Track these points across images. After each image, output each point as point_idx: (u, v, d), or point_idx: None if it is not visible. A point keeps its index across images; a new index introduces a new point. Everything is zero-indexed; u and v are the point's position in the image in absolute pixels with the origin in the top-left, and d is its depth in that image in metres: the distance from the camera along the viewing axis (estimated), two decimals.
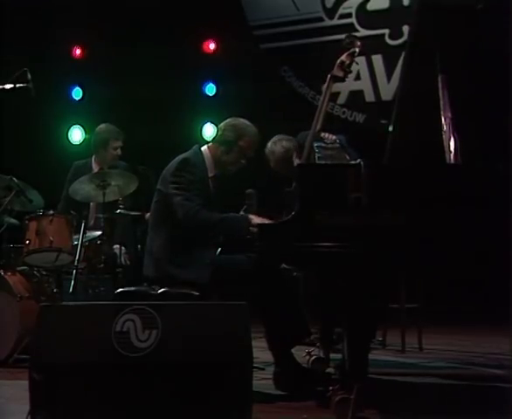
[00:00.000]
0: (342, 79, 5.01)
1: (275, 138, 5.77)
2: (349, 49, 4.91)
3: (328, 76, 4.91)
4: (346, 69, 4.94)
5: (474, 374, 5.34)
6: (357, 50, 4.94)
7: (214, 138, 4.89)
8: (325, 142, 4.68)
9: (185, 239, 4.54)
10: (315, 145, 4.44)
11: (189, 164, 4.66)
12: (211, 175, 4.74)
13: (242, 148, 4.75)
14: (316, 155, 4.28)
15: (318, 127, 4.88)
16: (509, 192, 3.61)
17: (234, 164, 4.79)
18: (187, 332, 3.50)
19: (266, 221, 4.30)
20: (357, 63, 5.35)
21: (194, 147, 4.82)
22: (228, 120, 4.85)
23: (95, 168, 6.51)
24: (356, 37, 5.09)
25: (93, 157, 6.60)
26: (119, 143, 6.52)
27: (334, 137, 5.00)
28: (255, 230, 4.21)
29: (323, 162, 4.28)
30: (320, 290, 4.26)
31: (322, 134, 4.94)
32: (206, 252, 4.58)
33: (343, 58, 4.92)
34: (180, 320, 3.53)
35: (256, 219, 4.39)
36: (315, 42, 8.96)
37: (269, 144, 5.76)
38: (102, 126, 6.65)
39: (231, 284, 4.39)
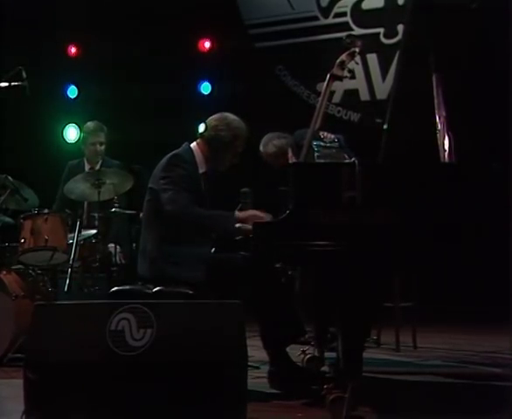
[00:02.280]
0: (341, 79, 5.01)
1: (266, 139, 5.84)
2: (349, 48, 4.92)
3: (328, 75, 4.92)
4: (346, 68, 4.95)
5: (469, 372, 5.35)
6: (358, 50, 4.94)
7: (203, 134, 4.80)
8: (324, 141, 4.68)
9: (179, 237, 4.54)
10: (314, 144, 4.44)
11: (179, 159, 4.66)
12: (201, 171, 4.73)
13: (236, 147, 4.75)
14: (315, 154, 4.28)
15: (317, 125, 4.88)
16: (509, 192, 3.61)
17: (227, 162, 4.79)
18: (182, 330, 3.50)
19: (252, 213, 4.32)
20: (357, 63, 5.36)
21: (183, 144, 4.79)
22: (219, 118, 4.78)
23: (87, 168, 6.55)
24: (356, 36, 5.09)
25: (85, 156, 6.66)
26: (96, 139, 6.58)
27: (333, 136, 4.99)
28: (241, 225, 4.28)
29: (321, 161, 4.28)
30: (314, 288, 4.27)
31: (321, 133, 4.95)
32: (201, 250, 4.57)
33: (344, 57, 4.93)
34: (175, 319, 3.53)
35: (241, 215, 4.40)
36: (310, 41, 8.96)
37: (261, 146, 5.83)
38: (85, 124, 6.73)
39: (225, 282, 4.38)
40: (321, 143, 4.42)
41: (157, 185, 4.62)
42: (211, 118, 4.82)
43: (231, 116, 4.80)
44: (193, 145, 4.78)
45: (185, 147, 4.78)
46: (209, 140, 4.75)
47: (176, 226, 4.52)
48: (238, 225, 4.33)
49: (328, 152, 4.33)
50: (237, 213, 4.47)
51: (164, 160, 4.71)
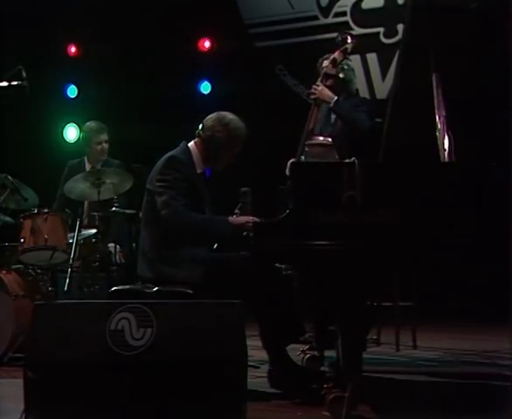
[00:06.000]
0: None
1: None
2: (341, 46, 4.92)
3: (322, 73, 4.92)
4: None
5: (469, 372, 5.35)
6: (349, 47, 4.94)
7: (200, 134, 4.69)
8: (317, 140, 4.67)
9: (177, 238, 4.51)
10: (306, 143, 4.44)
11: (176, 162, 4.58)
12: (199, 171, 4.68)
13: (233, 148, 4.67)
14: (305, 154, 4.28)
15: (310, 125, 4.88)
16: (509, 192, 3.61)
17: (224, 163, 4.73)
18: (181, 330, 3.50)
19: (246, 219, 4.30)
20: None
21: (181, 144, 4.72)
22: (216, 118, 4.66)
23: (88, 167, 6.55)
24: (348, 33, 5.07)
25: (86, 156, 6.66)
26: (102, 138, 6.60)
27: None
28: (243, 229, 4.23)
29: (316, 161, 4.28)
30: (314, 288, 4.26)
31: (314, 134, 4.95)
32: (199, 250, 4.56)
33: (336, 55, 4.93)
34: (174, 319, 3.53)
35: (236, 220, 4.38)
36: (310, 40, 8.96)
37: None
38: (85, 124, 6.75)
39: (225, 282, 4.38)
40: (313, 142, 4.43)
41: (153, 187, 4.58)
42: (208, 117, 4.71)
43: (228, 116, 4.68)
44: (191, 144, 4.71)
45: (183, 146, 4.69)
46: (205, 141, 4.66)
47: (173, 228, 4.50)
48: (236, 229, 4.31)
49: (317, 150, 4.32)
50: (230, 218, 4.45)
51: (161, 161, 4.64)
